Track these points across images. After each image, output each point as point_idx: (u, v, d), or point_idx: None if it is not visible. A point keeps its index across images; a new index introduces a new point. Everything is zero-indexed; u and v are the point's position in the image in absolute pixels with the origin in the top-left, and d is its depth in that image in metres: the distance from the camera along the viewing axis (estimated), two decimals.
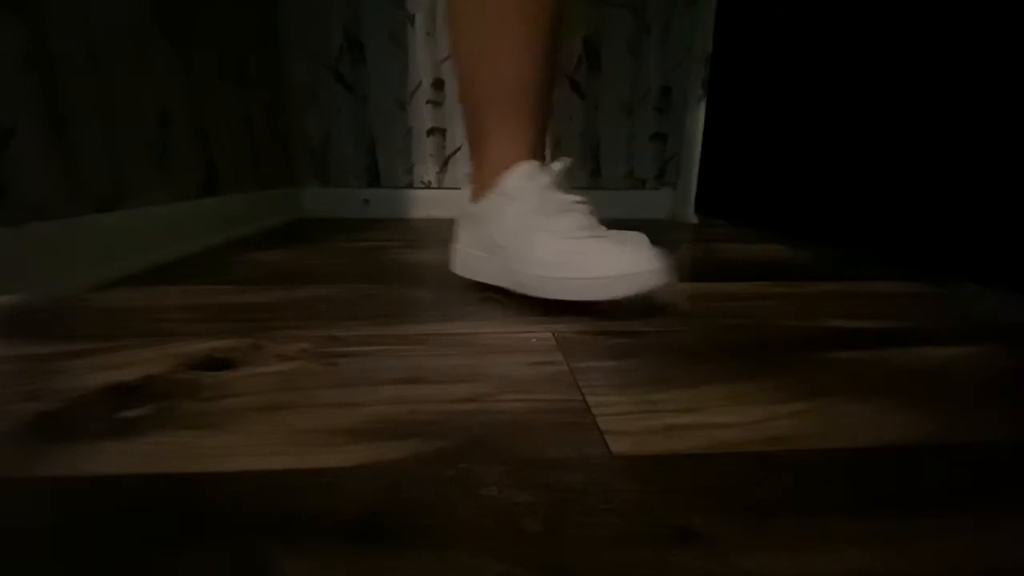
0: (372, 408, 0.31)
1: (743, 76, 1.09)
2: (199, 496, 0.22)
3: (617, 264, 0.44)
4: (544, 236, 0.48)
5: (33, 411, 0.30)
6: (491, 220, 0.52)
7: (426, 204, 1.31)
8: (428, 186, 1.32)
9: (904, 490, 0.24)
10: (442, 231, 1.07)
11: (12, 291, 0.49)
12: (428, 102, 1.25)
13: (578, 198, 0.52)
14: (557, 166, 0.53)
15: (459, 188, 1.30)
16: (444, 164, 1.30)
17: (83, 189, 0.60)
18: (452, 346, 0.41)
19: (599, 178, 1.35)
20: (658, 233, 0.55)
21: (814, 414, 0.31)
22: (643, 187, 1.37)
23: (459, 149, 1.29)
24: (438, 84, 1.24)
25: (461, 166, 1.30)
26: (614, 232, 0.49)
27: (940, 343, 0.43)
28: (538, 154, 0.55)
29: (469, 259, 0.57)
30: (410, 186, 1.31)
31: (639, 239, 0.47)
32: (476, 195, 0.56)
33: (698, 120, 1.24)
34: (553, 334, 0.44)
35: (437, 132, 1.28)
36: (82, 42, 0.60)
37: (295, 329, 0.44)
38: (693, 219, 1.28)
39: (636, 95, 1.30)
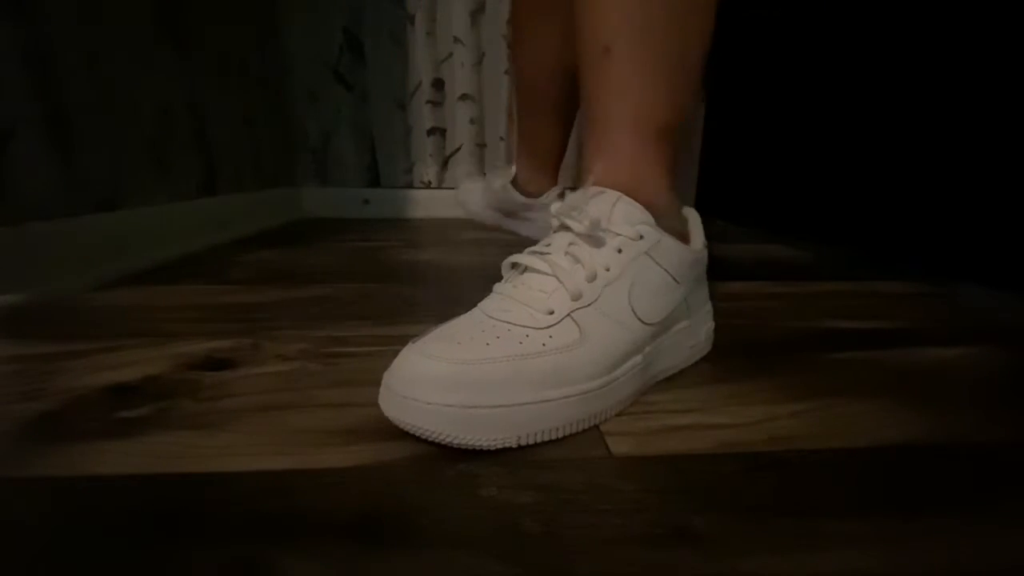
0: (372, 408, 0.31)
1: (743, 76, 1.09)
2: (199, 496, 0.22)
3: None
4: None
5: (33, 411, 0.29)
6: None
7: (426, 204, 1.31)
8: (428, 186, 1.31)
9: (904, 490, 0.24)
10: (442, 231, 1.07)
11: (12, 291, 0.49)
12: (428, 102, 1.25)
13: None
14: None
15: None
16: (444, 164, 1.30)
17: (83, 189, 0.60)
18: None
19: None
20: None
21: (814, 414, 0.31)
22: None
23: (459, 149, 1.29)
24: (438, 84, 1.24)
25: (461, 166, 1.30)
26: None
27: (940, 343, 0.43)
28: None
29: None
30: (410, 186, 1.31)
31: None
32: None
33: (698, 120, 1.24)
34: None
35: (437, 132, 1.28)
36: (82, 42, 0.60)
37: (295, 329, 0.44)
38: None
39: None
